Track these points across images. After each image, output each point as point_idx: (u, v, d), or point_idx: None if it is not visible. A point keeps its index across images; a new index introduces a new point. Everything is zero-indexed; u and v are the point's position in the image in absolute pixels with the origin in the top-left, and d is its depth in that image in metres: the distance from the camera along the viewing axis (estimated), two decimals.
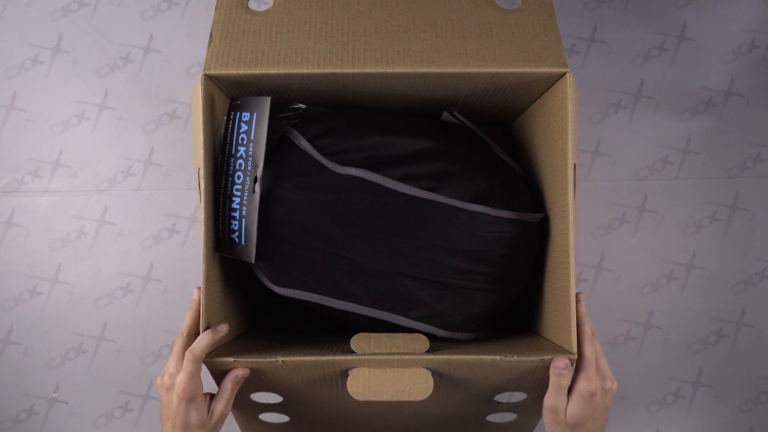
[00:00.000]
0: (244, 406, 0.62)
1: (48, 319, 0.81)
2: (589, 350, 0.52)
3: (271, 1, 0.58)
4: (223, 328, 0.55)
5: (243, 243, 0.55)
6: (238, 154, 0.56)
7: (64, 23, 0.82)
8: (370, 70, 0.54)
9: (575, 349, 0.53)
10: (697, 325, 0.82)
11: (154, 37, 0.82)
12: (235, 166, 0.56)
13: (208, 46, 0.55)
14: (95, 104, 0.82)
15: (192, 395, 0.51)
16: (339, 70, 0.54)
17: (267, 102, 0.55)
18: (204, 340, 0.52)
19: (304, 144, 0.58)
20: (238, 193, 0.55)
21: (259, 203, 0.55)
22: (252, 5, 0.58)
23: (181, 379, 0.50)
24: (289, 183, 0.57)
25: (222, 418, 0.54)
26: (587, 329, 0.53)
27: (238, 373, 0.53)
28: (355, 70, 0.54)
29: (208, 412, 0.53)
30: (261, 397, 0.60)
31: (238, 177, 0.56)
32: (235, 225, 0.56)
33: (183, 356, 0.51)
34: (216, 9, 0.57)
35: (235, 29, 0.56)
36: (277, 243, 0.57)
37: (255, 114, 0.55)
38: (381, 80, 0.57)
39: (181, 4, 0.83)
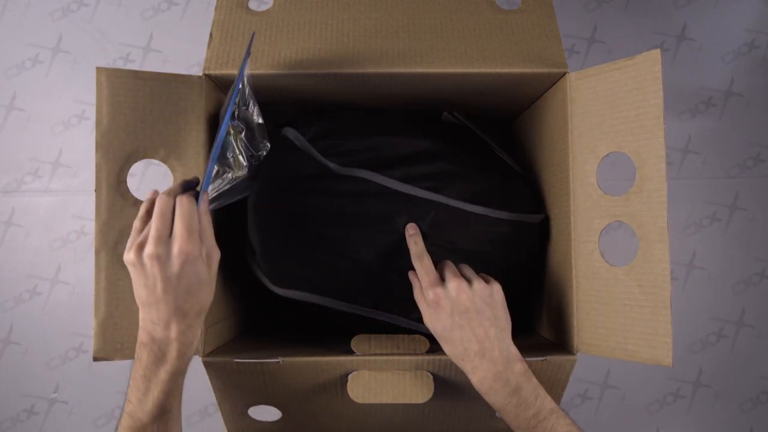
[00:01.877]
0: (234, 399, 0.61)
1: (48, 319, 0.81)
2: (417, 265, 0.52)
3: (271, 1, 0.58)
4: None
5: None
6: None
7: (64, 23, 0.82)
8: (370, 70, 0.54)
9: (576, 350, 0.53)
10: (697, 325, 0.82)
11: (154, 37, 0.82)
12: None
13: (208, 46, 0.55)
14: (95, 104, 0.82)
15: (198, 249, 0.43)
16: (339, 70, 0.54)
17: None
18: (174, 184, 0.46)
19: (305, 145, 0.58)
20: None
21: (257, 204, 0.56)
22: (252, 5, 0.58)
23: (179, 233, 0.42)
24: (290, 184, 0.57)
25: (217, 264, 0.46)
26: (413, 249, 0.53)
27: (204, 197, 0.46)
28: (355, 70, 0.54)
29: (208, 263, 0.45)
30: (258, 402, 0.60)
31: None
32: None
33: (170, 215, 0.43)
34: (216, 9, 0.57)
35: (235, 29, 0.56)
36: (278, 244, 0.57)
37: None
38: (381, 80, 0.57)
39: (181, 4, 0.83)
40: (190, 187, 0.47)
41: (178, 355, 0.44)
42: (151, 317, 0.44)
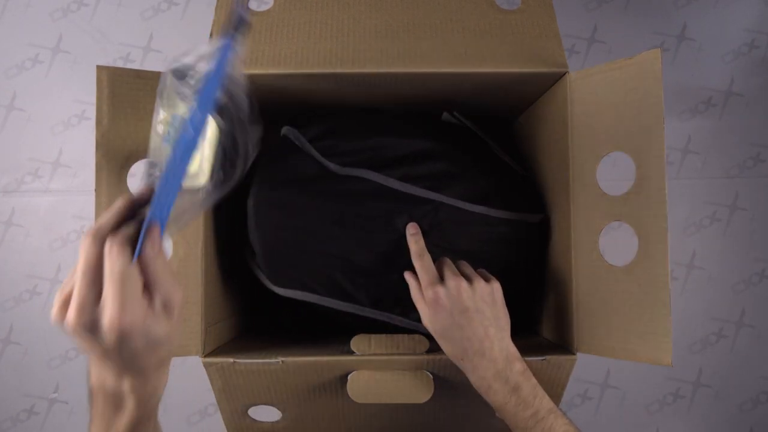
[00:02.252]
0: (234, 399, 0.61)
1: (48, 319, 0.81)
2: (417, 263, 0.52)
3: (271, 1, 0.58)
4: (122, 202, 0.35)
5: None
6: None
7: (64, 23, 0.82)
8: (370, 70, 0.54)
9: (575, 350, 0.53)
10: (697, 325, 0.82)
11: (154, 37, 0.82)
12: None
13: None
14: (95, 104, 0.82)
15: (138, 318, 0.33)
16: (339, 70, 0.54)
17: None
18: (106, 214, 0.34)
19: (305, 145, 0.58)
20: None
21: (258, 204, 0.56)
22: (252, 5, 0.58)
23: (109, 301, 0.32)
24: (291, 184, 0.57)
25: (180, 306, 0.36)
26: (414, 248, 0.53)
27: (150, 235, 0.34)
28: (355, 70, 0.54)
29: (166, 314, 0.35)
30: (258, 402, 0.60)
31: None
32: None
33: (96, 270, 0.33)
34: (216, 9, 0.57)
35: None
36: (278, 244, 0.57)
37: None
38: (381, 80, 0.57)
39: (181, 4, 0.83)
40: (130, 216, 0.35)
41: (138, 405, 0.36)
42: (96, 366, 0.36)
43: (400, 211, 0.56)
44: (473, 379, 0.49)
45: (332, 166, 0.57)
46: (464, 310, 0.49)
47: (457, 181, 0.57)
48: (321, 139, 0.59)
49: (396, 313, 0.58)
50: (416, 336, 0.55)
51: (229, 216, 0.60)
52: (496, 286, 0.51)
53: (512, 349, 0.49)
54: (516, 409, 0.47)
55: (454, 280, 0.50)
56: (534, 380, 0.48)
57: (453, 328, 0.49)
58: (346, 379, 0.53)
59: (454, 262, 0.53)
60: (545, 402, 0.48)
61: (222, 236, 0.59)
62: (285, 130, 0.60)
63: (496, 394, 0.48)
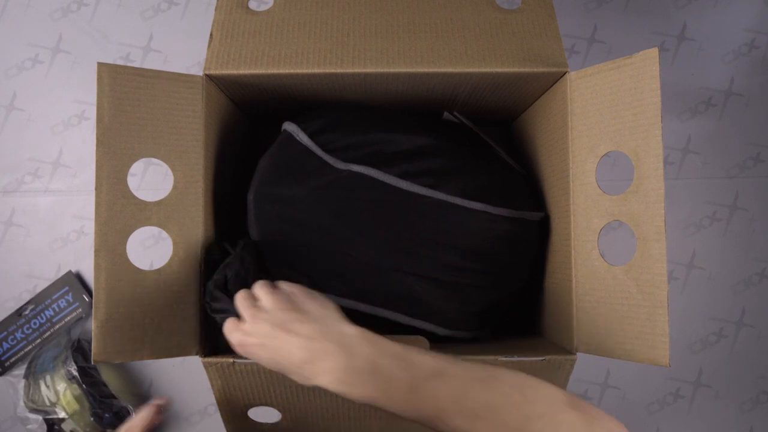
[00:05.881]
0: (234, 399, 0.61)
1: None
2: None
3: (271, 1, 0.58)
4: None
5: None
6: None
7: (64, 23, 0.82)
8: (370, 70, 0.54)
9: (575, 350, 0.53)
10: (697, 325, 0.82)
11: (154, 37, 0.82)
12: None
13: (208, 46, 0.55)
14: (95, 104, 0.82)
15: None
16: (339, 70, 0.54)
17: None
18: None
19: (306, 140, 0.58)
20: None
21: (257, 199, 0.56)
22: (252, 5, 0.58)
23: None
24: (291, 179, 0.57)
25: None
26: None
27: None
28: (355, 70, 0.54)
29: None
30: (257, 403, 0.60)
31: None
32: None
33: None
34: (216, 9, 0.57)
35: (235, 29, 0.56)
36: (278, 240, 0.57)
37: None
38: (381, 80, 0.57)
39: (181, 4, 0.83)
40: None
41: None
42: None
43: (399, 208, 0.56)
44: (327, 386, 0.40)
45: (332, 161, 0.57)
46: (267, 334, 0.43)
47: (457, 178, 0.57)
48: (321, 134, 0.59)
49: (396, 310, 0.58)
50: (417, 336, 0.55)
51: (229, 212, 0.60)
52: (286, 289, 0.47)
53: (348, 329, 0.41)
54: (389, 394, 0.38)
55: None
56: (394, 347, 0.40)
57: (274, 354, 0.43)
58: None
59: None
60: (423, 367, 0.38)
61: (222, 232, 0.59)
62: (286, 124, 0.61)
63: (356, 389, 0.39)
